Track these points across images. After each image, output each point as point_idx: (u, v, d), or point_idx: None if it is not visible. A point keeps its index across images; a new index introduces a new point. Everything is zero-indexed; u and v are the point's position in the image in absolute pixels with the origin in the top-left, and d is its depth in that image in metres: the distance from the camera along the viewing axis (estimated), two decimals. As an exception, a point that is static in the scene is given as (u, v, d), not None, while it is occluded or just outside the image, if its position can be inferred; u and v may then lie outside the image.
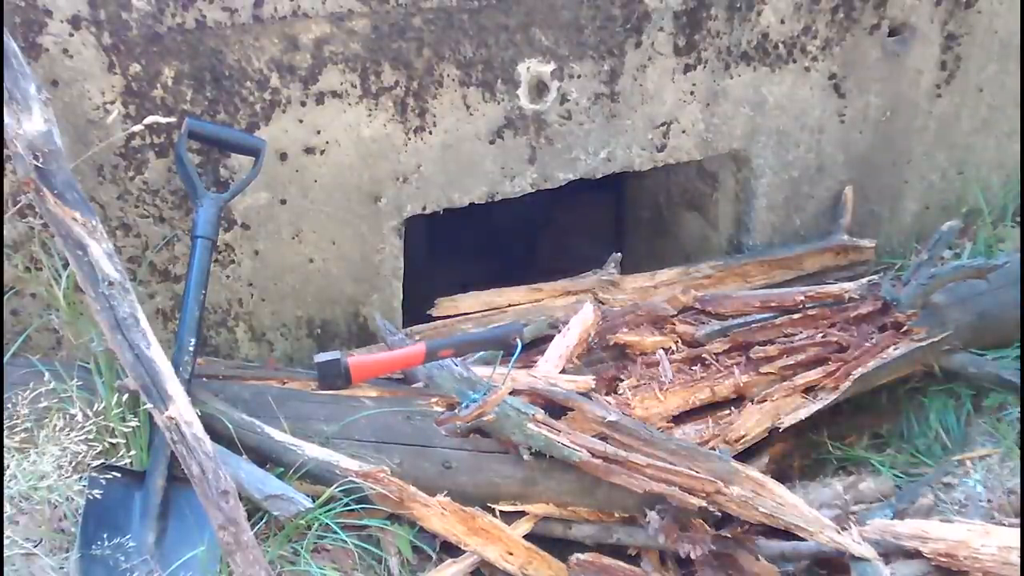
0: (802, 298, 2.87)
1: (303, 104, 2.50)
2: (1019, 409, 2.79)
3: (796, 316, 2.86)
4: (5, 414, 1.98)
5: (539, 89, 2.75)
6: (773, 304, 2.89)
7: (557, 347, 2.68)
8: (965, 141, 3.43)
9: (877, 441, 3.01)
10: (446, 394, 2.48)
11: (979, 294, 2.92)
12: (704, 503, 2.25)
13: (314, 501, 2.14)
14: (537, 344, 2.76)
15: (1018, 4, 3.26)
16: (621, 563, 2.31)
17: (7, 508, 1.94)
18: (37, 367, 2.18)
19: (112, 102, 2.32)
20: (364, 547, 2.19)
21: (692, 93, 2.95)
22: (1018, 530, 2.24)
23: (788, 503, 2.36)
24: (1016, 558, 2.16)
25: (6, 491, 1.92)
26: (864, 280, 2.93)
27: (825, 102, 3.16)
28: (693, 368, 2.78)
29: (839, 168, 3.29)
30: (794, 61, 3.04)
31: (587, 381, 2.58)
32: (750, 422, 2.66)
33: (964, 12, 3.21)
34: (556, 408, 2.41)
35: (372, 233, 2.73)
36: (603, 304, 2.98)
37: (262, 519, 2.12)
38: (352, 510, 2.17)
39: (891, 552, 2.32)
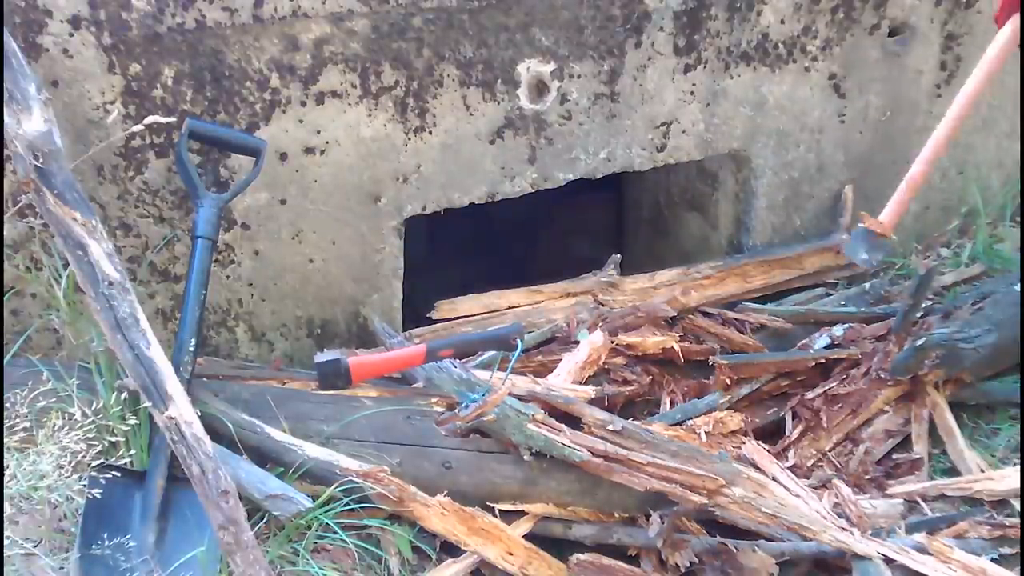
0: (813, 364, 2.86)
1: (303, 104, 2.50)
2: (1019, 407, 2.79)
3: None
4: (4, 414, 1.98)
5: (539, 89, 2.75)
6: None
7: (566, 364, 2.68)
8: (965, 141, 3.43)
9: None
10: (446, 394, 2.47)
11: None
12: (706, 500, 2.24)
13: (314, 501, 2.13)
14: (539, 346, 2.77)
15: (1018, 4, 3.26)
16: (621, 563, 2.30)
17: (7, 508, 1.94)
18: (37, 367, 2.18)
19: (112, 102, 2.32)
20: (364, 547, 2.19)
21: (692, 93, 2.95)
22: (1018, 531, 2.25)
23: (789, 504, 2.36)
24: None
25: (6, 491, 1.92)
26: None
27: (825, 102, 3.16)
28: None
29: (839, 168, 3.29)
30: (794, 61, 3.04)
31: (587, 391, 2.58)
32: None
33: (964, 12, 3.21)
34: (559, 416, 2.40)
35: (372, 233, 2.73)
36: (603, 305, 2.98)
37: (262, 519, 2.12)
38: (352, 510, 2.16)
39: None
